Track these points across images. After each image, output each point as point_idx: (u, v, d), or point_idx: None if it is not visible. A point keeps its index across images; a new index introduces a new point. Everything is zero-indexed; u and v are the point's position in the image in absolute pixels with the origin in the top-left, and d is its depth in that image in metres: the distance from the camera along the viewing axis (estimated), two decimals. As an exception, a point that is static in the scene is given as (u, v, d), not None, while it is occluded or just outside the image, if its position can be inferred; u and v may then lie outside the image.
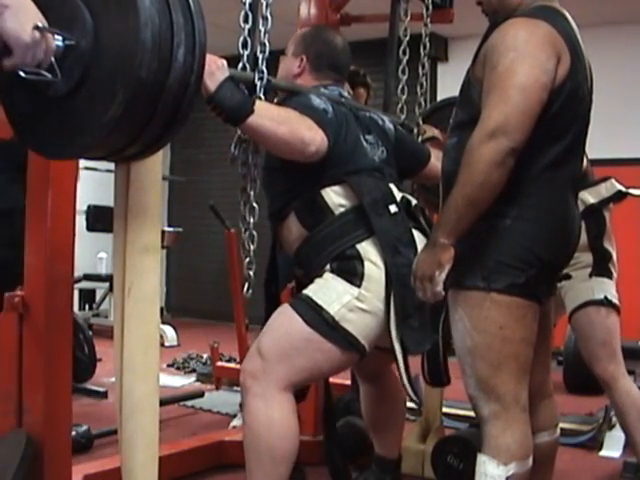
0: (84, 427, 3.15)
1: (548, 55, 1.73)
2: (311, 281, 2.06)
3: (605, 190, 2.86)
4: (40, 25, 1.38)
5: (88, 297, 7.35)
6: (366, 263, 1.98)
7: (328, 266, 2.02)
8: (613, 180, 2.88)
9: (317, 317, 1.94)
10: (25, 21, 1.36)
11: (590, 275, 2.80)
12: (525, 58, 1.72)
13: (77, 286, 6.64)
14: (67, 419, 2.19)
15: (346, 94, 2.28)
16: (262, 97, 1.98)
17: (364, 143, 2.14)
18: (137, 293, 1.73)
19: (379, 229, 2.00)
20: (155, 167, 1.75)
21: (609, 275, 2.83)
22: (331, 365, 2.01)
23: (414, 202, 2.20)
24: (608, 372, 2.73)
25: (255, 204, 2.09)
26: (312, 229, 2.07)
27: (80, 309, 7.17)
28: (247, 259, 2.09)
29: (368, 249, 2.00)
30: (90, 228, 6.17)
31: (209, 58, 1.63)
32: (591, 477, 3.09)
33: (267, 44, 2.02)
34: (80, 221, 4.98)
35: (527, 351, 1.83)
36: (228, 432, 3.28)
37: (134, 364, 1.73)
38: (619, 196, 2.87)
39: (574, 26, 1.92)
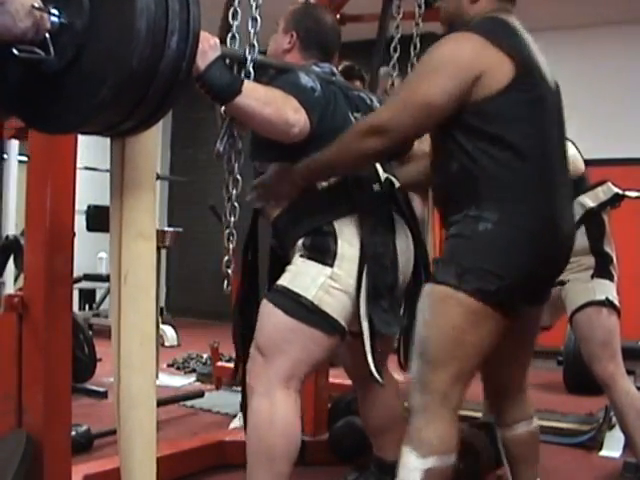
0: (84, 427, 3.15)
1: (457, 75, 1.82)
2: (285, 257, 2.08)
3: (603, 193, 2.88)
4: (37, 5, 1.38)
5: (88, 297, 7.36)
6: (340, 241, 1.99)
7: (301, 241, 2.03)
8: (609, 183, 2.91)
9: (296, 305, 1.96)
10: (18, 16, 1.36)
11: (592, 277, 2.81)
12: (430, 74, 1.85)
13: (77, 286, 6.64)
14: (67, 419, 2.19)
15: (337, 72, 2.29)
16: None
17: (353, 120, 2.15)
18: (133, 280, 1.74)
19: (360, 206, 2.01)
20: (148, 144, 1.76)
21: (610, 277, 2.84)
22: (322, 350, 2.01)
23: (397, 184, 2.21)
24: (607, 372, 2.74)
25: (237, 203, 2.12)
26: (294, 200, 2.08)
27: (80, 309, 7.17)
28: (226, 257, 2.11)
29: (344, 228, 2.00)
30: (90, 228, 6.16)
31: (202, 36, 1.64)
32: (591, 477, 3.09)
33: (256, 45, 2.05)
34: (80, 221, 4.97)
35: (474, 358, 1.85)
36: (228, 432, 3.28)
37: (131, 356, 1.74)
38: (617, 199, 2.89)
39: (525, 35, 1.98)
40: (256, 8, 2.06)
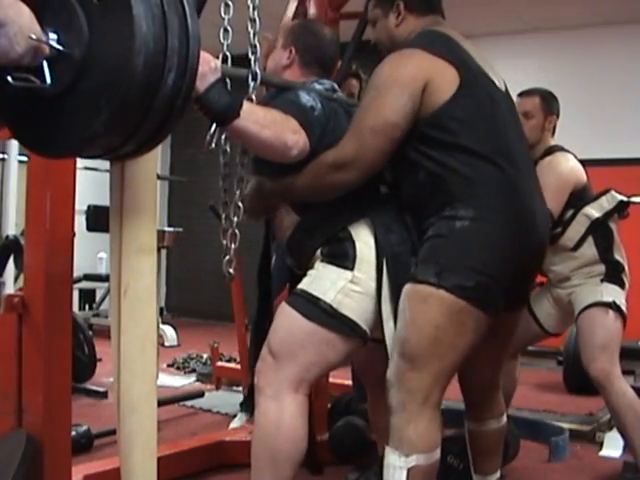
0: (84, 427, 3.15)
1: (403, 90, 1.87)
2: (304, 273, 2.07)
3: (607, 202, 2.87)
4: (34, 37, 1.37)
5: (88, 297, 7.36)
6: (358, 244, 1.98)
7: (320, 250, 2.02)
8: (613, 191, 2.90)
9: (315, 309, 1.94)
10: (16, 39, 1.34)
11: (601, 281, 2.82)
12: (379, 98, 1.89)
13: (77, 286, 6.64)
14: (67, 419, 2.19)
15: (338, 88, 2.29)
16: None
17: None
18: (133, 293, 1.73)
19: (370, 209, 2.01)
20: (149, 166, 1.75)
21: (620, 284, 2.84)
22: (337, 355, 2.00)
23: None
24: (603, 373, 2.73)
25: (240, 204, 2.10)
26: (304, 213, 2.08)
27: (80, 309, 7.17)
28: (227, 257, 2.10)
29: (360, 230, 2.00)
30: (90, 228, 6.16)
31: (203, 58, 1.63)
32: (591, 477, 3.09)
33: (258, 45, 2.04)
34: (80, 221, 4.97)
35: (454, 357, 1.86)
36: (228, 432, 3.28)
37: (131, 363, 1.73)
38: (621, 206, 2.88)
39: (463, 43, 2.02)
40: (254, 9, 2.05)
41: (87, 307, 7.33)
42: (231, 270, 2.08)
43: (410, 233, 2.02)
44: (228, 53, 1.99)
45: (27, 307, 2.13)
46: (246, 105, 1.85)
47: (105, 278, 6.67)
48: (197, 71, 1.55)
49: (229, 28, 1.98)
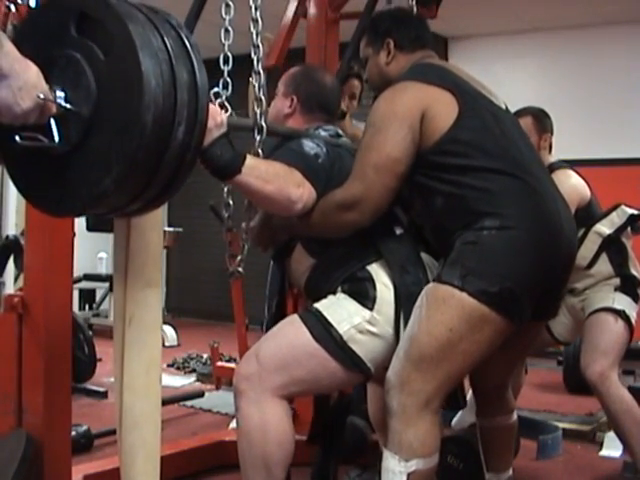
0: (84, 427, 3.15)
1: (401, 123, 1.87)
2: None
3: (617, 218, 2.85)
4: (42, 96, 1.35)
5: (88, 297, 7.35)
6: (378, 285, 1.96)
7: (340, 287, 2.00)
8: (623, 206, 2.87)
9: (325, 334, 1.92)
10: (20, 94, 1.32)
11: (615, 289, 2.80)
12: (379, 134, 1.89)
13: (77, 286, 6.63)
14: (67, 419, 2.19)
15: (342, 133, 2.28)
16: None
17: None
18: (138, 323, 1.72)
19: (385, 250, 1.99)
20: (156, 212, 1.74)
21: (634, 297, 2.82)
22: (331, 382, 1.99)
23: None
24: (601, 378, 2.71)
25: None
26: (320, 256, 2.07)
27: (80, 309, 7.17)
28: (239, 257, 2.11)
29: (379, 271, 1.98)
30: (90, 228, 6.15)
31: (210, 113, 1.61)
32: (591, 477, 3.09)
33: (261, 46, 2.06)
34: (80, 221, 4.97)
35: (464, 364, 1.84)
36: (228, 432, 3.28)
37: (135, 384, 1.72)
38: (632, 220, 2.85)
39: (456, 71, 2.04)
40: (256, 9, 2.05)
41: (87, 307, 7.33)
42: (240, 269, 2.09)
43: (425, 273, 1.99)
44: (229, 53, 2.00)
45: (27, 307, 2.13)
46: (249, 159, 1.83)
47: (105, 278, 6.67)
48: (206, 125, 1.55)
49: (230, 28, 1.98)
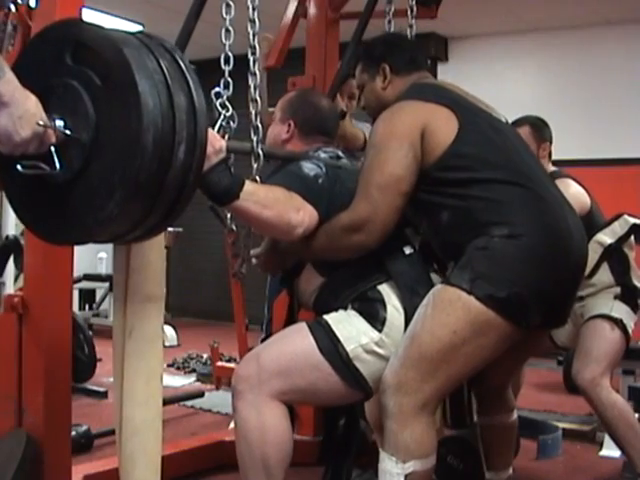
0: (84, 427, 3.16)
1: (402, 142, 1.88)
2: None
3: (619, 227, 2.83)
4: (41, 123, 1.36)
5: (88, 297, 7.35)
6: (389, 307, 1.94)
7: (350, 305, 1.99)
8: (626, 216, 2.85)
9: (332, 348, 1.90)
10: (20, 123, 1.33)
11: (615, 298, 2.78)
12: (380, 154, 1.90)
13: (77, 286, 6.63)
14: (67, 419, 2.19)
15: (342, 155, 2.26)
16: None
17: None
18: (139, 335, 1.71)
19: (394, 271, 1.97)
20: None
21: (633, 307, 2.80)
22: (330, 396, 1.98)
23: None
24: (591, 385, 2.69)
25: None
26: (329, 274, 2.05)
27: (80, 309, 7.17)
28: (241, 258, 2.11)
29: (390, 292, 1.96)
30: (90, 228, 6.16)
31: (209, 139, 1.62)
32: (591, 477, 3.09)
33: (257, 47, 2.05)
34: (80, 221, 4.96)
35: (465, 368, 1.83)
36: (228, 432, 3.27)
37: (135, 395, 1.71)
38: (635, 229, 2.82)
39: (453, 88, 2.06)
40: (253, 10, 2.05)
41: (87, 307, 7.33)
42: (243, 270, 2.09)
43: None
44: (230, 53, 2.00)
45: (27, 307, 2.13)
46: (247, 185, 1.82)
47: (105, 278, 6.67)
48: (207, 145, 1.55)
49: (230, 28, 1.98)
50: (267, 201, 1.85)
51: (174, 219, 1.58)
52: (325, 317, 1.97)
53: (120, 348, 1.72)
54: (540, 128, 2.98)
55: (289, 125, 2.23)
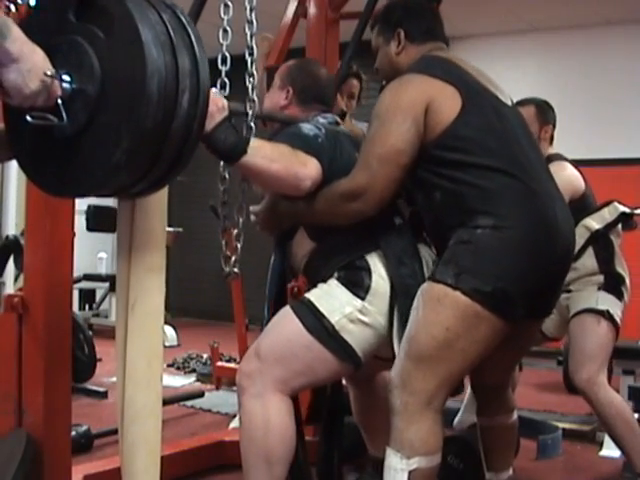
0: (84, 427, 3.15)
1: (405, 116, 1.89)
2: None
3: (608, 214, 2.84)
4: (49, 73, 1.39)
5: (88, 297, 7.36)
6: (374, 276, 1.97)
7: (336, 274, 2.02)
8: (616, 203, 2.86)
9: (317, 324, 1.94)
10: (29, 76, 1.36)
11: (598, 289, 2.79)
12: (384, 126, 1.91)
13: (77, 286, 6.64)
14: (67, 419, 2.19)
15: (340, 122, 2.29)
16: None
17: None
18: (141, 309, 1.72)
19: (383, 241, 2.00)
20: (160, 192, 1.75)
21: (618, 295, 2.80)
22: (328, 373, 2.01)
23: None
24: (589, 384, 2.70)
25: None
26: (320, 241, 2.08)
27: (80, 309, 7.17)
28: (233, 257, 2.11)
29: (377, 262, 1.99)
30: (90, 228, 6.16)
31: (211, 99, 1.63)
32: (591, 477, 3.09)
33: (255, 48, 2.04)
34: (80, 221, 4.98)
35: (463, 362, 1.85)
36: (228, 432, 3.28)
37: (137, 375, 1.72)
38: (624, 218, 2.84)
39: (463, 65, 2.04)
40: (251, 11, 2.05)
41: (87, 307, 7.33)
42: (236, 269, 2.08)
43: (421, 265, 2.00)
44: (227, 53, 2.00)
45: (27, 307, 2.13)
46: (254, 141, 1.85)
47: (105, 278, 6.67)
48: (209, 94, 1.56)
49: (228, 29, 1.99)
50: (274, 155, 1.88)
51: (178, 172, 1.60)
52: (307, 295, 2.00)
53: (123, 325, 1.73)
54: (545, 111, 2.99)
55: (287, 92, 2.25)
